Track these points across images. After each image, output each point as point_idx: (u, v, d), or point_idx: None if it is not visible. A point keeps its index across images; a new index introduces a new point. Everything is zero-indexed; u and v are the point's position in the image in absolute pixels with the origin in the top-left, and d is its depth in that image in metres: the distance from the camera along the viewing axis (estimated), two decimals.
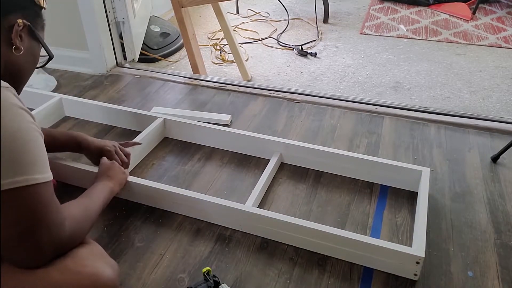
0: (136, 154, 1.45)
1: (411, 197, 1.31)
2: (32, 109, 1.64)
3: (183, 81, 2.02)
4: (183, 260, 1.11)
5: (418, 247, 1.05)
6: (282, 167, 1.44)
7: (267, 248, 1.15)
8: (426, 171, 1.30)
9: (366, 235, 1.17)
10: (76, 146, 1.25)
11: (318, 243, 1.11)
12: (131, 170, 1.42)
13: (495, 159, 1.46)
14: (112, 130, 1.64)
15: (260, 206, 1.27)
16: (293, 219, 1.13)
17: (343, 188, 1.35)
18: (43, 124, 1.64)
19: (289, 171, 1.42)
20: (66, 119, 1.72)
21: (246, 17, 3.03)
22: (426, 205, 1.19)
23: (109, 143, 1.27)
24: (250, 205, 1.19)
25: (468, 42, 2.59)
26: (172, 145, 1.56)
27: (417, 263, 1.03)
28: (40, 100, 1.69)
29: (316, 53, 2.45)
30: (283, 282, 1.05)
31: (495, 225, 1.22)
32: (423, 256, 1.02)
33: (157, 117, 1.56)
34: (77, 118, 1.72)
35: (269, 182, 1.36)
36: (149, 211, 1.26)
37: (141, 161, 1.47)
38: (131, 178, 1.27)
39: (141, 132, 1.50)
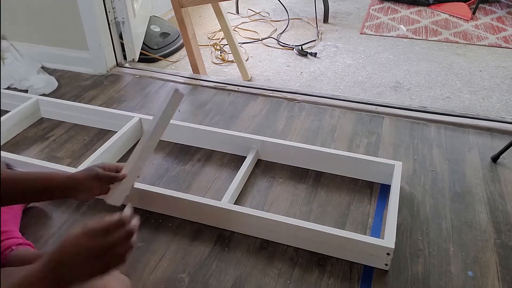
0: None
1: (411, 196, 1.31)
2: (7, 111, 1.61)
3: (183, 81, 2.02)
4: (183, 260, 1.11)
5: (389, 239, 1.07)
6: (282, 167, 1.44)
7: (267, 248, 1.15)
8: (398, 165, 1.33)
9: (366, 235, 1.17)
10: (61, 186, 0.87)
11: (287, 235, 1.13)
12: None
13: (495, 159, 1.46)
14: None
15: (260, 206, 1.27)
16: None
17: (343, 188, 1.35)
18: (17, 127, 1.61)
19: (289, 171, 1.42)
20: (43, 120, 1.70)
21: (246, 17, 3.03)
22: (397, 197, 1.21)
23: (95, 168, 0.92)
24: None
25: (468, 42, 2.59)
26: (172, 145, 1.56)
27: (388, 254, 1.06)
28: (16, 102, 1.68)
29: (316, 53, 2.44)
30: (283, 282, 1.05)
31: (495, 225, 1.22)
32: (393, 247, 1.05)
33: (133, 117, 1.57)
34: (52, 119, 1.70)
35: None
36: (149, 211, 1.26)
37: None
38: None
39: (117, 132, 1.49)
